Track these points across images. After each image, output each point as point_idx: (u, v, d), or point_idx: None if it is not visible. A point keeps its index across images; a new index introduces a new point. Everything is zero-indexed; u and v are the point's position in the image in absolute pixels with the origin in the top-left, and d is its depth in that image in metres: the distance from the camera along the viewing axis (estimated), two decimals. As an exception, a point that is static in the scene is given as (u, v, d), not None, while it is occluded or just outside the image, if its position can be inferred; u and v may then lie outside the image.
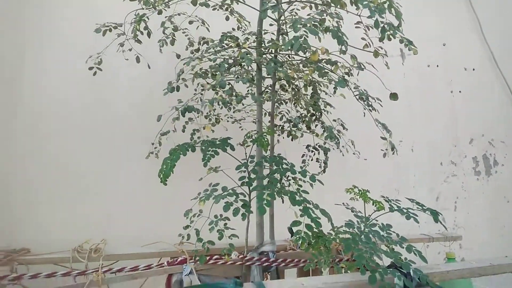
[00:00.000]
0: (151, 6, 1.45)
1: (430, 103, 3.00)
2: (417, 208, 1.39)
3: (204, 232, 1.42)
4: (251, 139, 1.48)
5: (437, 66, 3.05)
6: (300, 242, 1.18)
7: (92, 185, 2.14)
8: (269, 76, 1.62)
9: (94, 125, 2.17)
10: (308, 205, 1.18)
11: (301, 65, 1.75)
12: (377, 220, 1.38)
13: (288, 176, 1.46)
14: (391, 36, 1.32)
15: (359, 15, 1.57)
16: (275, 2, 1.60)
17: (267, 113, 1.79)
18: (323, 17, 1.42)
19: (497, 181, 3.08)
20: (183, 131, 1.76)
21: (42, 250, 1.54)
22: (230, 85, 1.73)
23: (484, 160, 3.09)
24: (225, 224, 1.38)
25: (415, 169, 2.88)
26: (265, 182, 1.38)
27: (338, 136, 1.72)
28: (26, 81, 2.09)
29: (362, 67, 1.33)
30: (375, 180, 2.71)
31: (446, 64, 3.08)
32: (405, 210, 1.35)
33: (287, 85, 1.83)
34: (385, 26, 1.17)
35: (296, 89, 1.83)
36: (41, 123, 2.09)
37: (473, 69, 3.18)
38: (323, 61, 1.51)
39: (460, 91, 3.10)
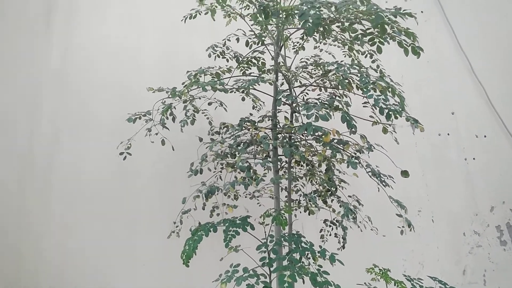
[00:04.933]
0: (177, 97, 1.61)
1: (445, 171, 3.01)
2: (440, 287, 1.35)
3: (224, 316, 1.40)
4: (270, 217, 1.52)
5: (448, 134, 3.13)
6: (323, 326, 1.15)
7: (117, 261, 2.17)
8: (283, 155, 1.72)
9: (121, 197, 2.29)
10: (330, 287, 1.18)
11: (314, 142, 1.85)
12: (401, 301, 1.35)
13: (308, 254, 1.47)
14: (397, 115, 1.42)
15: (365, 97, 1.70)
16: (288, 87, 1.75)
17: (284, 189, 1.84)
18: (332, 100, 1.55)
19: (526, 251, 2.94)
20: (203, 208, 1.82)
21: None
22: (248, 164, 1.83)
23: (509, 228, 2.99)
24: (246, 307, 1.36)
25: (438, 241, 2.80)
26: (285, 262, 1.39)
27: (355, 212, 1.74)
28: (65, 148, 2.30)
29: (372, 148, 1.41)
30: (397, 254, 2.64)
31: (457, 132, 3.15)
32: (428, 290, 1.31)
33: (301, 161, 1.91)
34: (390, 112, 1.27)
35: (311, 165, 1.90)
36: (75, 191, 2.23)
37: (485, 136, 3.23)
38: (334, 141, 1.60)
39: (474, 158, 3.12)
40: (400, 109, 1.31)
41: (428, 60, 3.23)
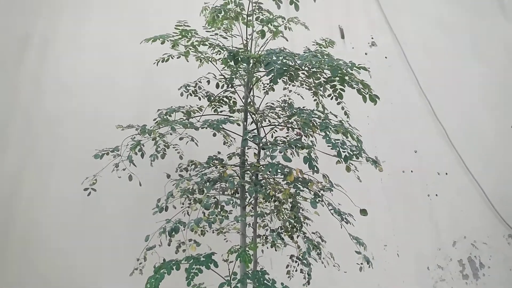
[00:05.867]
0: (146, 135, 1.65)
1: (410, 207, 3.13)
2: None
3: None
4: (235, 254, 1.54)
5: (411, 171, 3.28)
6: None
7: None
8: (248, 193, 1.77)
9: (85, 234, 2.25)
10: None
11: (280, 180, 1.92)
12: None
13: (271, 291, 1.49)
14: (358, 156, 1.52)
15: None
16: (255, 128, 1.84)
17: (249, 225, 1.88)
18: (296, 142, 1.64)
19: (486, 285, 3.05)
20: (169, 245, 1.82)
21: None
22: (216, 199, 1.86)
23: (470, 262, 3.10)
24: None
25: (403, 275, 2.87)
26: (248, 299, 1.41)
27: (319, 247, 1.80)
28: (27, 184, 2.23)
29: (332, 188, 1.49)
30: (363, 288, 2.68)
31: (420, 169, 3.31)
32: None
33: (265, 200, 1.96)
34: (347, 155, 1.36)
35: (278, 201, 1.96)
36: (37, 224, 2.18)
37: (446, 173, 3.41)
38: (299, 179, 1.67)
39: (436, 195, 3.27)
40: (357, 153, 1.40)
41: (392, 101, 3.43)
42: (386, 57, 3.57)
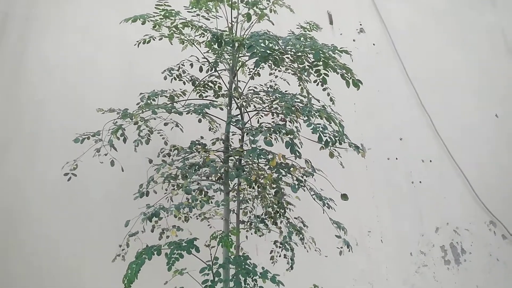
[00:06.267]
0: (128, 118, 1.62)
1: (394, 194, 3.17)
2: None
3: None
4: (217, 239, 1.54)
5: (396, 158, 3.31)
6: None
7: (62, 284, 2.09)
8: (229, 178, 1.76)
9: (69, 218, 2.22)
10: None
11: (263, 165, 1.91)
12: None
13: (252, 275, 1.50)
14: (340, 141, 1.52)
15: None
16: (239, 113, 1.82)
17: (232, 211, 1.87)
18: (278, 126, 1.64)
19: (467, 270, 3.13)
20: (152, 231, 1.81)
21: None
22: (199, 185, 1.85)
23: (452, 248, 3.17)
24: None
25: (387, 261, 2.92)
26: (231, 283, 1.41)
27: (301, 232, 1.81)
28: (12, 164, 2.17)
29: (313, 173, 1.49)
30: (347, 274, 2.72)
31: (405, 157, 3.34)
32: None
33: (253, 183, 1.95)
34: (328, 139, 1.36)
35: (262, 187, 1.95)
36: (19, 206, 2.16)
37: (430, 161, 3.45)
38: (282, 164, 1.66)
39: (420, 182, 3.31)
40: (338, 138, 1.40)
41: (378, 89, 3.43)
42: (374, 44, 3.56)
